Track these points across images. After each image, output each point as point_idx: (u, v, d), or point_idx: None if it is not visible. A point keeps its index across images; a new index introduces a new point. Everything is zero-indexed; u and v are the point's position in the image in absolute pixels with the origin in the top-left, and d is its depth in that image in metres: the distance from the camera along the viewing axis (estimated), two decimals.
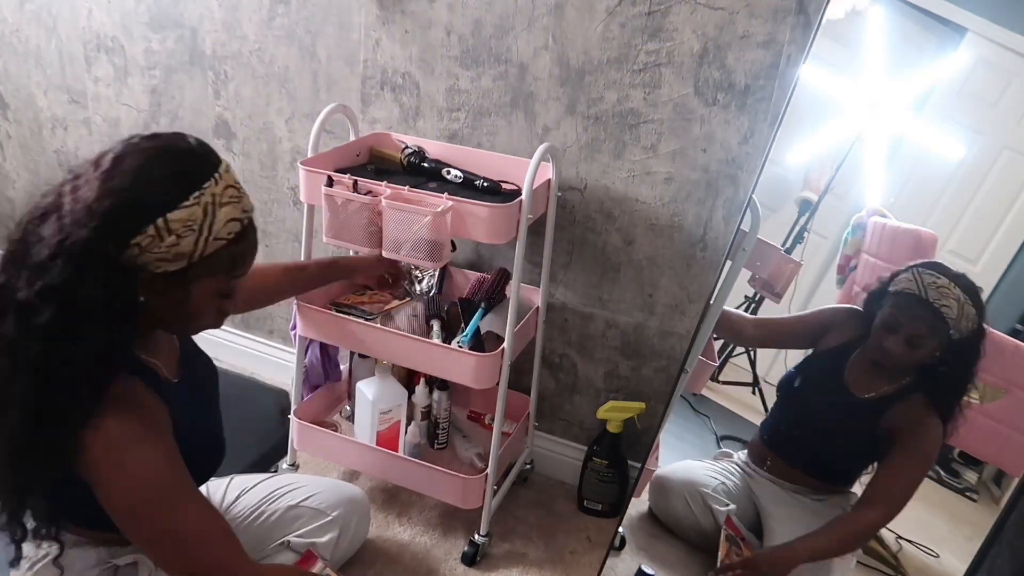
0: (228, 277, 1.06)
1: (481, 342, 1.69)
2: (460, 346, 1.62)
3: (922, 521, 1.57)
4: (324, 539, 1.48)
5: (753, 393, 1.80)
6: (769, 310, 1.69)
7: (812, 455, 1.66)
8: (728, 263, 1.49)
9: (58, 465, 0.97)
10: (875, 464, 1.56)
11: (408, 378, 1.90)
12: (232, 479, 1.49)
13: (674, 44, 1.56)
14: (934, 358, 1.46)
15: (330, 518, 1.50)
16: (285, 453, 1.89)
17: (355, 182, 1.52)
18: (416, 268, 1.86)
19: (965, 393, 1.46)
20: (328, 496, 1.52)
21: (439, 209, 1.43)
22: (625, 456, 1.88)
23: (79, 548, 1.14)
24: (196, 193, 0.97)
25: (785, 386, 1.68)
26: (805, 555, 1.53)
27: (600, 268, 1.80)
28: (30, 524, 1.05)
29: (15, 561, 1.10)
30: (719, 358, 1.77)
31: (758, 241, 1.46)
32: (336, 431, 1.85)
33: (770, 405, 1.73)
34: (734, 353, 1.83)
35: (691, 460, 1.81)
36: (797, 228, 1.63)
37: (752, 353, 1.81)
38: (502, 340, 1.59)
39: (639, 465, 1.81)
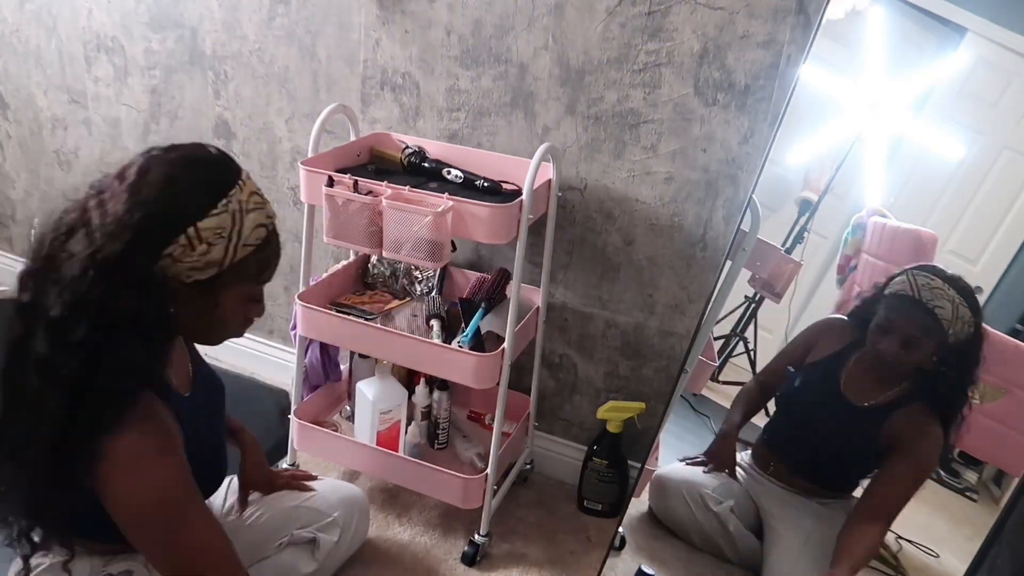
0: (256, 282, 1.09)
1: (481, 342, 1.69)
2: (460, 346, 1.62)
3: (922, 521, 1.57)
4: (324, 539, 1.48)
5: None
6: (769, 310, 1.69)
7: (813, 462, 1.66)
8: (728, 263, 1.49)
9: (78, 477, 0.97)
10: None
11: (408, 378, 1.90)
12: (233, 479, 1.49)
13: (674, 44, 1.56)
14: (931, 363, 1.46)
15: (330, 518, 1.50)
16: (285, 453, 1.89)
17: (356, 182, 1.52)
18: (416, 268, 1.87)
19: (966, 401, 1.45)
20: (328, 496, 1.52)
21: (440, 209, 1.43)
22: (625, 456, 1.89)
23: (77, 558, 1.14)
24: (223, 201, 0.98)
25: (783, 395, 1.68)
26: None
27: (600, 268, 1.80)
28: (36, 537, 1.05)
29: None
30: (719, 358, 1.77)
31: (758, 241, 1.46)
32: (336, 431, 1.85)
33: (771, 408, 1.73)
34: (734, 353, 1.82)
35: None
36: (797, 228, 1.63)
37: (752, 353, 1.81)
38: (502, 340, 1.59)
39: (639, 465, 1.81)
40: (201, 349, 1.27)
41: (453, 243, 1.55)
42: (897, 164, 1.57)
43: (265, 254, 1.06)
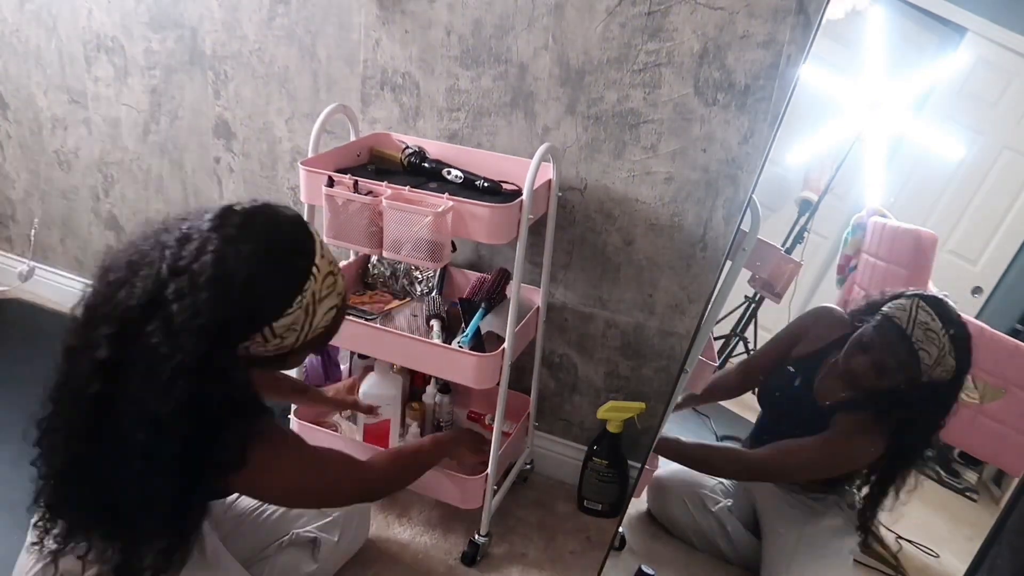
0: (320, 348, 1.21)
1: (481, 342, 1.69)
2: (460, 346, 1.62)
3: (922, 521, 1.57)
4: (324, 539, 1.48)
5: (753, 393, 1.80)
6: (769, 310, 1.69)
7: None
8: (728, 263, 1.49)
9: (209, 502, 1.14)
10: (864, 468, 1.56)
11: (411, 379, 1.91)
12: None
13: (674, 44, 1.56)
14: (898, 391, 1.45)
15: (330, 518, 1.50)
16: None
17: (356, 182, 1.52)
18: (416, 268, 1.87)
19: (927, 442, 1.45)
20: None
21: (440, 209, 1.43)
22: (625, 456, 1.89)
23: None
24: (299, 299, 1.03)
25: (767, 391, 1.68)
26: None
27: (600, 268, 1.80)
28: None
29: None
30: (719, 358, 1.77)
31: (758, 241, 1.45)
32: (336, 431, 1.85)
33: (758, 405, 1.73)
34: (734, 353, 1.82)
35: None
36: (797, 228, 1.62)
37: (752, 353, 1.80)
38: (502, 340, 1.59)
39: (639, 465, 1.81)
40: None
41: (453, 243, 1.55)
42: (897, 164, 1.57)
43: (332, 328, 1.13)
